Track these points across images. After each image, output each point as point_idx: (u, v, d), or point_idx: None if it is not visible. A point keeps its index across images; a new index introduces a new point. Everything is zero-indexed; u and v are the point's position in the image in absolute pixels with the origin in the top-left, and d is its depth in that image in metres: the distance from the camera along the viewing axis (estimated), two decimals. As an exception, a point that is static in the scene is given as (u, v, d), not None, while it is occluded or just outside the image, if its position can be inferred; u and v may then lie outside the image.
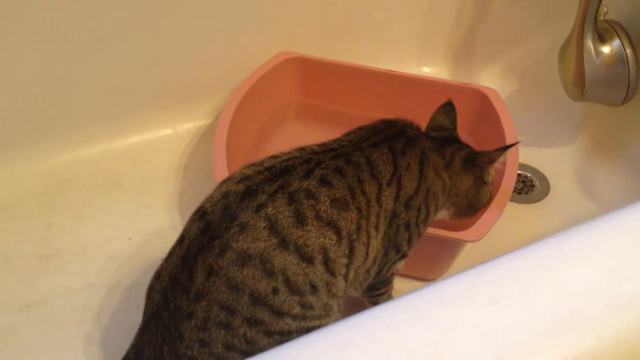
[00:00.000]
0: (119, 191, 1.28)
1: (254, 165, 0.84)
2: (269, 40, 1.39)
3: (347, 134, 0.94)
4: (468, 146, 0.99)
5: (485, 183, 0.99)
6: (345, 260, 0.81)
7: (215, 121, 1.39)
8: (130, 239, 1.19)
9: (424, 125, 1.02)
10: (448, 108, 1.03)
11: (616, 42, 1.17)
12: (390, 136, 0.92)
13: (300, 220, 0.77)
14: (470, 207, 0.99)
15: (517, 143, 1.03)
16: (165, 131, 1.40)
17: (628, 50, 1.17)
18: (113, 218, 1.23)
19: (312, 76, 1.39)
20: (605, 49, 1.18)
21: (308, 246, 0.77)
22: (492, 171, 1.00)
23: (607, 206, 1.26)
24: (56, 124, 1.31)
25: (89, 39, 1.25)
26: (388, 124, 0.95)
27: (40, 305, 1.08)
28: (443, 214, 0.99)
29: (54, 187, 1.27)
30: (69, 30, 1.22)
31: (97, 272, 1.13)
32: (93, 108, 1.32)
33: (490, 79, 1.51)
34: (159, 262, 0.83)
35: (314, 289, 0.78)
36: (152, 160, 1.35)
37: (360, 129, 0.95)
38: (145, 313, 0.82)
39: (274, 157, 0.86)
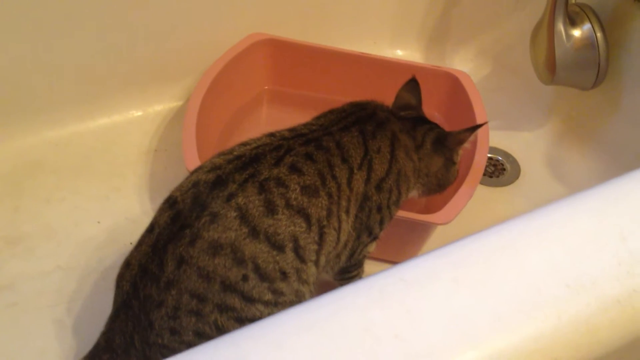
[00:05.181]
0: (88, 174, 1.26)
1: (223, 153, 0.84)
2: (241, 21, 1.37)
3: (318, 118, 0.93)
4: (437, 126, 1.00)
5: (454, 163, 0.99)
6: (316, 247, 0.82)
7: (186, 103, 1.38)
8: (99, 222, 1.17)
9: (394, 107, 1.02)
10: (412, 85, 1.02)
11: (587, 26, 1.18)
12: (360, 119, 0.91)
13: (270, 209, 0.77)
14: (440, 186, 1.00)
15: (485, 123, 1.03)
16: (136, 113, 1.38)
17: (599, 34, 1.17)
18: (82, 201, 1.21)
19: (284, 58, 1.38)
20: (576, 33, 1.18)
21: (278, 234, 0.77)
22: (461, 151, 1.00)
23: (577, 189, 1.24)
24: (23, 106, 1.28)
25: (56, 19, 1.22)
26: (358, 106, 0.95)
27: (7, 289, 1.06)
28: (412, 193, 0.99)
29: (22, 170, 1.25)
30: (36, 10, 1.20)
31: (65, 256, 1.12)
32: (61, 89, 1.30)
33: (463, 63, 1.51)
34: (129, 246, 0.82)
35: (284, 275, 0.78)
36: (121, 142, 1.33)
37: (331, 112, 0.94)
38: (115, 302, 0.81)
39: (244, 144, 0.85)
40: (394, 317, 0.52)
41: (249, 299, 0.76)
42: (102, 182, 1.25)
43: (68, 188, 1.23)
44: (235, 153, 0.82)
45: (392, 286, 0.55)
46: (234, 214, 0.75)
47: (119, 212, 1.19)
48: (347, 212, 0.86)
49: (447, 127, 1.02)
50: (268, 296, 0.78)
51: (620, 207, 0.62)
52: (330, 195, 0.83)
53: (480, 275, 0.56)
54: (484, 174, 1.28)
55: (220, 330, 0.76)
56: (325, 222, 0.82)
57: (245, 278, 0.76)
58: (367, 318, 0.52)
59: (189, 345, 0.77)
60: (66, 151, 1.30)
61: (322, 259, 0.84)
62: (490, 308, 0.53)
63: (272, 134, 0.87)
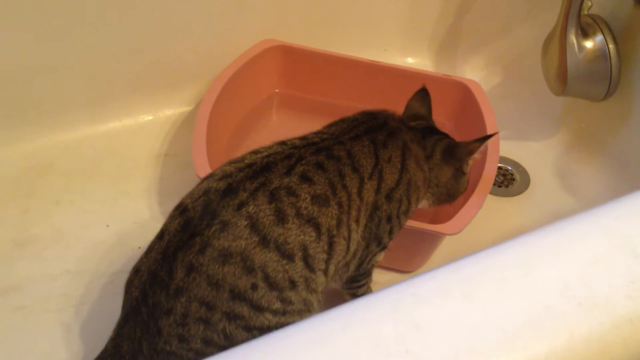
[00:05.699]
0: (98, 177, 1.27)
1: (235, 161, 0.84)
2: (252, 27, 1.38)
3: (329, 126, 0.93)
4: (447, 136, 0.99)
5: (464, 173, 0.99)
6: (325, 256, 0.81)
7: (196, 108, 1.38)
8: (108, 225, 1.17)
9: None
10: (422, 95, 1.02)
11: (599, 38, 1.18)
12: (372, 128, 0.91)
13: (280, 218, 0.77)
14: (450, 196, 1.00)
15: (495, 134, 1.03)
16: (146, 117, 1.39)
17: (611, 46, 1.17)
18: (91, 204, 1.22)
19: (295, 65, 1.38)
20: (588, 44, 1.18)
21: (288, 244, 0.77)
22: (470, 161, 1.00)
23: (586, 201, 1.27)
24: (34, 108, 1.29)
25: (68, 21, 1.23)
26: (370, 115, 0.95)
27: (15, 291, 1.07)
28: (423, 203, 0.99)
29: (32, 172, 1.26)
30: (47, 12, 1.20)
31: (74, 259, 1.12)
32: (72, 92, 1.30)
33: (473, 71, 1.51)
34: (137, 250, 0.82)
35: (292, 284, 0.78)
36: (131, 146, 1.33)
37: (342, 121, 0.94)
38: (123, 308, 0.81)
39: (255, 152, 0.85)
40: (406, 332, 0.52)
41: (258, 308, 0.76)
42: (111, 185, 1.25)
43: (77, 191, 1.24)
44: (246, 161, 0.82)
45: (404, 300, 0.54)
46: (244, 222, 0.75)
47: (128, 216, 1.19)
48: (357, 221, 0.86)
49: (457, 136, 1.02)
50: (277, 305, 0.77)
51: (633, 224, 0.62)
52: (340, 205, 0.82)
53: (491, 292, 0.55)
54: (493, 184, 1.28)
55: (229, 339, 0.76)
56: (335, 232, 0.82)
57: (254, 287, 0.75)
58: (378, 332, 0.52)
59: (197, 352, 0.77)
60: (76, 154, 1.31)
61: (331, 268, 0.84)
62: (502, 325, 0.53)
63: (283, 143, 0.87)
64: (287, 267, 0.77)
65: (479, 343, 0.52)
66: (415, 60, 1.56)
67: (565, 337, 0.53)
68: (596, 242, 0.60)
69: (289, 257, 0.77)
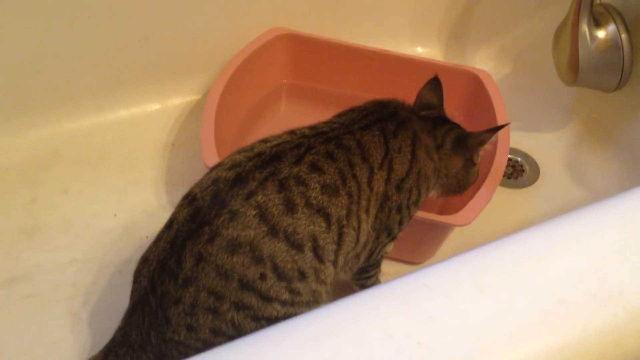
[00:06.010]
0: (106, 166, 1.27)
1: (244, 150, 0.83)
2: (261, 15, 1.37)
3: (339, 116, 0.93)
4: (458, 126, 0.99)
5: (474, 164, 0.98)
6: (334, 247, 0.81)
7: (204, 97, 1.37)
8: (115, 215, 1.17)
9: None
10: (434, 84, 1.01)
11: (612, 27, 1.16)
12: (382, 118, 0.90)
13: (290, 207, 0.76)
14: (459, 187, 0.99)
15: (506, 125, 1.02)
16: (154, 106, 1.38)
17: (623, 36, 1.16)
18: (99, 193, 1.21)
19: (304, 54, 1.37)
20: (601, 34, 1.16)
21: (297, 234, 0.77)
22: (481, 152, 0.99)
23: (596, 192, 1.26)
24: (42, 97, 1.28)
25: (76, 10, 1.22)
26: (380, 105, 0.94)
27: (23, 280, 1.07)
28: (432, 194, 0.98)
29: (39, 161, 1.25)
30: (57, 1, 1.20)
31: (82, 248, 1.12)
32: (80, 81, 1.30)
33: (483, 61, 1.50)
34: (145, 240, 0.82)
35: (302, 275, 0.78)
36: (139, 135, 1.33)
37: (352, 110, 0.93)
38: (132, 297, 0.81)
39: (264, 141, 0.85)
40: (417, 323, 0.51)
41: (266, 298, 0.76)
42: (119, 174, 1.25)
43: (85, 180, 1.24)
44: (255, 150, 0.82)
45: (415, 292, 0.54)
46: (253, 212, 0.75)
47: (136, 206, 1.19)
48: (367, 212, 0.85)
49: (467, 127, 1.01)
50: (285, 296, 0.77)
51: (648, 215, 0.61)
52: (350, 195, 0.82)
53: (503, 283, 0.55)
54: (503, 175, 1.26)
55: (237, 329, 0.76)
56: (344, 222, 0.81)
57: (263, 277, 0.75)
58: (389, 324, 0.51)
59: (205, 342, 0.77)
60: (84, 143, 1.30)
61: (341, 259, 0.83)
62: (514, 317, 0.52)
63: (292, 132, 0.86)
64: (296, 257, 0.76)
65: (490, 335, 0.51)
66: (425, 49, 1.55)
67: (578, 330, 0.52)
68: (609, 233, 0.60)
69: (298, 247, 0.76)
